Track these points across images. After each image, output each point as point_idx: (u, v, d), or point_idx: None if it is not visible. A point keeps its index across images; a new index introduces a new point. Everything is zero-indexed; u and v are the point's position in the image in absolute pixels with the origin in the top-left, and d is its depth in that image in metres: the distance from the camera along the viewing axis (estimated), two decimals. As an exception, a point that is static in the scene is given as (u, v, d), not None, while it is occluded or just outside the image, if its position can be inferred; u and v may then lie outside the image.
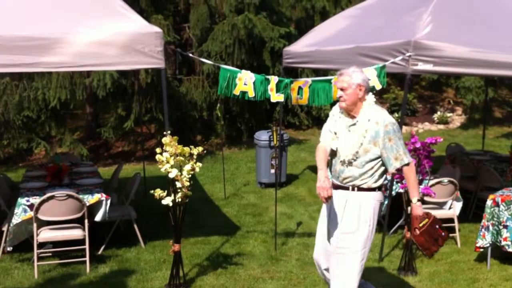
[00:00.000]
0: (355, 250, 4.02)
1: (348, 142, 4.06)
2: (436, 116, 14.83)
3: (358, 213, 4.04)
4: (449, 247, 6.43)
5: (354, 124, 4.06)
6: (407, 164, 4.01)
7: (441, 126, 14.62)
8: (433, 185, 6.14)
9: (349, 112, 4.10)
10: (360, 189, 4.05)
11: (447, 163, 8.02)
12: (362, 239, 4.03)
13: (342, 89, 4.05)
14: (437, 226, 4.17)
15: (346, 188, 4.08)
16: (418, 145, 5.40)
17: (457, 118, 15.13)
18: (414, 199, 4.10)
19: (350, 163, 4.04)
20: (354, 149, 4.02)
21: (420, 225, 4.09)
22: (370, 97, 4.10)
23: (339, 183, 4.13)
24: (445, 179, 6.34)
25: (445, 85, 16.20)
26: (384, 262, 5.92)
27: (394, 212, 6.25)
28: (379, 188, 4.09)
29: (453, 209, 6.54)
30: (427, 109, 15.44)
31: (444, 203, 6.61)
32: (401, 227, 6.60)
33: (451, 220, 6.56)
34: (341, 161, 4.09)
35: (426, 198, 5.87)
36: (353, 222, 4.03)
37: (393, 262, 5.90)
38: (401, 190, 5.71)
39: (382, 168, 4.06)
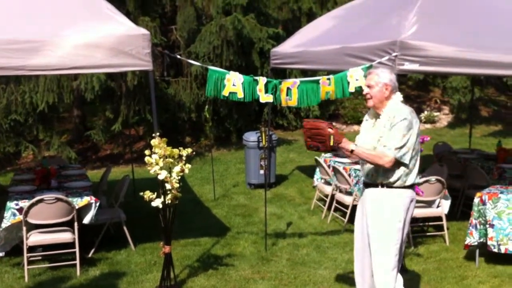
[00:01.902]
0: (387, 247, 4.09)
1: (368, 138, 4.19)
2: (423, 116, 14.93)
3: (386, 210, 4.11)
4: (437, 245, 6.49)
5: (377, 122, 4.19)
6: (386, 157, 3.97)
7: (428, 126, 14.74)
8: (420, 184, 6.19)
9: (375, 110, 4.21)
10: (387, 186, 4.11)
11: (434, 162, 8.08)
12: (391, 236, 4.09)
13: (369, 86, 4.17)
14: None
15: (375, 186, 4.18)
16: (405, 144, 5.44)
17: (444, 117, 15.26)
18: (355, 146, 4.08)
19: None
20: (373, 144, 4.11)
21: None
22: (397, 96, 4.19)
23: (368, 181, 4.24)
24: (433, 178, 6.39)
25: (432, 84, 16.33)
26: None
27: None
28: (409, 186, 4.12)
29: (441, 207, 6.60)
30: (414, 109, 15.50)
31: (432, 202, 6.66)
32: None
33: (439, 219, 6.62)
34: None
35: (414, 197, 5.91)
36: (382, 220, 4.11)
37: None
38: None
39: (412, 168, 4.10)
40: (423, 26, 5.97)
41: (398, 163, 4.03)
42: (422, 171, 6.74)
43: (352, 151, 4.00)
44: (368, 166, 4.20)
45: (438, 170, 7.07)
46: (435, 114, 15.09)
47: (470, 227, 5.80)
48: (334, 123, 15.09)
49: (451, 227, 6.93)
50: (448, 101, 15.54)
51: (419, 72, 7.24)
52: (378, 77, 4.15)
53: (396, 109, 4.10)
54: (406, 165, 4.04)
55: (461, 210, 7.42)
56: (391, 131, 4.02)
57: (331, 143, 3.96)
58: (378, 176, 4.14)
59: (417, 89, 16.38)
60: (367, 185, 4.27)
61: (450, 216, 6.93)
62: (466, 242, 5.82)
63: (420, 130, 4.17)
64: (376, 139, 4.11)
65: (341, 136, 3.99)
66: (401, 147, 3.99)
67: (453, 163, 7.95)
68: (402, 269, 5.58)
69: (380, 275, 4.14)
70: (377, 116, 4.21)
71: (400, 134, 3.99)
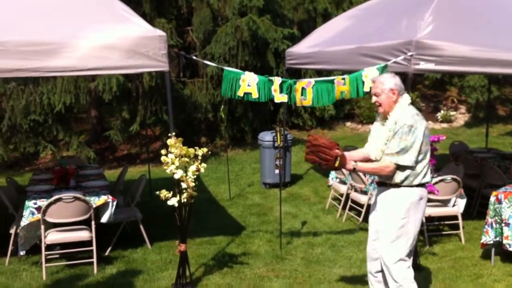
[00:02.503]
0: (389, 241, 4.24)
1: (376, 141, 4.36)
2: (439, 115, 14.85)
3: (390, 208, 4.26)
4: (453, 244, 6.47)
5: (384, 124, 4.33)
6: (390, 164, 4.14)
7: (445, 125, 14.64)
8: (436, 183, 6.19)
9: (385, 115, 4.34)
10: (395, 186, 4.24)
11: (451, 161, 8.04)
12: (393, 231, 4.22)
13: (376, 95, 4.33)
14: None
15: (385, 185, 4.32)
16: (420, 143, 5.44)
17: (460, 117, 15.15)
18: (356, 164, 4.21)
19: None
20: (380, 147, 4.28)
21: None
22: (404, 99, 4.31)
23: (379, 180, 4.41)
24: (448, 177, 6.38)
25: (448, 84, 16.21)
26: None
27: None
28: (418, 185, 4.23)
29: (457, 206, 6.58)
30: (430, 108, 15.46)
31: (448, 201, 6.64)
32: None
33: (455, 218, 6.60)
34: (374, 161, 4.35)
35: (429, 196, 5.90)
36: (386, 216, 4.29)
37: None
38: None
39: (422, 168, 4.20)
40: (439, 25, 5.96)
41: (401, 166, 4.15)
42: (437, 170, 6.73)
43: (354, 169, 4.20)
44: None
45: (454, 169, 7.05)
46: (452, 113, 14.99)
47: (486, 226, 5.77)
48: (349, 123, 15.03)
49: (466, 226, 6.91)
50: (465, 100, 15.42)
51: (435, 72, 7.24)
52: (382, 84, 4.30)
53: (400, 114, 4.22)
54: (410, 167, 4.15)
55: (477, 210, 7.39)
56: (392, 137, 4.17)
57: (336, 165, 4.12)
58: (389, 177, 4.25)
59: (433, 89, 16.28)
60: (378, 183, 4.44)
61: (466, 215, 6.91)
62: (481, 241, 5.81)
63: (428, 131, 4.25)
64: (382, 144, 4.27)
65: (345, 158, 4.14)
66: (398, 152, 4.12)
67: (470, 162, 7.91)
68: (417, 267, 5.60)
69: (385, 268, 4.31)
70: (386, 119, 4.33)
71: (398, 139, 4.13)
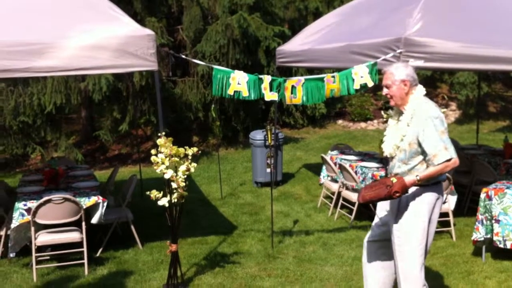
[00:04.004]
0: (411, 247, 4.03)
1: (391, 137, 4.12)
2: (430, 112, 14.89)
3: (411, 209, 4.02)
4: (444, 241, 6.49)
5: (400, 119, 4.09)
6: (448, 161, 3.84)
7: (436, 122, 14.68)
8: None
9: (398, 107, 4.12)
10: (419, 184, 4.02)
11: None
12: (416, 235, 4.01)
13: (387, 87, 4.09)
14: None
15: None
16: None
17: (451, 114, 15.21)
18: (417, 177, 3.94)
19: (396, 158, 4.07)
20: (395, 143, 4.04)
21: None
22: (419, 90, 4.08)
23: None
24: (439, 174, 6.37)
25: (439, 81, 16.28)
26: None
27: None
28: (434, 183, 4.01)
29: (448, 203, 6.59)
30: (421, 105, 15.50)
31: (439, 198, 6.65)
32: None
33: (446, 215, 6.60)
34: (388, 157, 4.16)
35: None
36: (407, 219, 4.03)
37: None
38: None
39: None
40: (428, 22, 5.97)
41: (422, 161, 3.94)
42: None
43: (419, 180, 3.89)
44: (392, 164, 4.12)
45: (444, 166, 7.05)
46: (443, 110, 14.93)
47: (477, 223, 5.79)
48: (340, 121, 14.98)
49: (458, 223, 6.93)
50: (455, 97, 15.49)
51: (424, 69, 7.22)
52: (393, 75, 4.05)
53: (419, 106, 3.98)
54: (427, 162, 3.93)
55: (468, 206, 7.41)
56: (426, 134, 3.88)
57: (394, 182, 3.89)
58: (404, 175, 4.00)
59: (424, 86, 16.19)
60: None
61: (457, 212, 6.93)
62: (472, 238, 5.82)
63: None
64: (399, 138, 4.02)
65: (400, 177, 3.91)
66: (446, 147, 3.84)
67: (460, 159, 7.84)
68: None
69: (405, 275, 4.10)
70: (400, 113, 4.11)
71: (439, 133, 3.86)
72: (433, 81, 16.24)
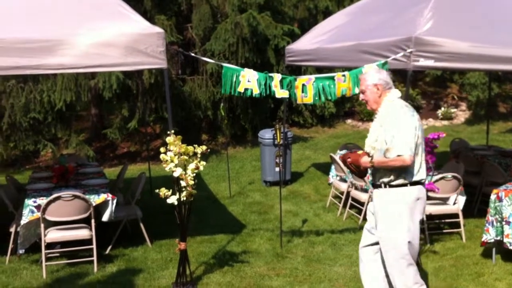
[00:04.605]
0: (396, 251, 4.15)
1: (368, 139, 4.31)
2: (440, 112, 14.82)
3: (390, 211, 4.16)
4: (454, 242, 6.45)
5: (375, 121, 4.29)
6: (399, 156, 4.01)
7: (445, 122, 14.62)
8: (436, 180, 6.16)
9: (374, 111, 4.32)
10: (390, 186, 4.16)
11: (451, 159, 8.03)
12: (399, 238, 4.13)
13: (362, 92, 4.33)
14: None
15: (379, 186, 4.23)
16: (421, 140, 5.41)
17: (461, 114, 15.12)
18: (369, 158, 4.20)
19: (373, 157, 4.21)
20: (371, 145, 4.22)
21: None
22: (392, 93, 4.25)
23: (375, 181, 4.29)
24: (449, 175, 6.35)
25: (449, 81, 16.19)
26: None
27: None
28: (412, 184, 4.12)
29: (458, 204, 6.56)
30: (431, 105, 15.44)
31: (448, 199, 6.62)
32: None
33: (455, 216, 6.57)
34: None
35: (430, 194, 5.88)
36: (387, 223, 4.18)
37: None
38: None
39: (413, 164, 4.09)
40: (438, 22, 5.94)
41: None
42: (438, 168, 6.70)
43: (372, 166, 4.16)
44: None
45: (454, 167, 7.02)
46: (452, 110, 14.96)
47: (487, 224, 5.75)
48: (350, 121, 14.99)
49: (467, 224, 6.88)
50: (465, 97, 15.40)
51: (434, 68, 7.20)
52: (365, 80, 4.29)
53: (387, 107, 4.18)
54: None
55: (478, 207, 7.36)
56: (386, 131, 4.07)
57: (354, 169, 4.32)
58: (381, 175, 4.18)
59: (434, 86, 16.26)
60: (373, 185, 4.35)
61: (467, 213, 6.89)
62: (482, 239, 5.78)
63: (420, 125, 4.17)
64: (374, 139, 4.20)
65: (356, 158, 4.22)
66: (398, 144, 4.01)
67: (470, 159, 7.89)
68: (418, 266, 5.58)
69: (394, 277, 4.22)
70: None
71: (393, 131, 4.04)
72: (443, 81, 16.16)
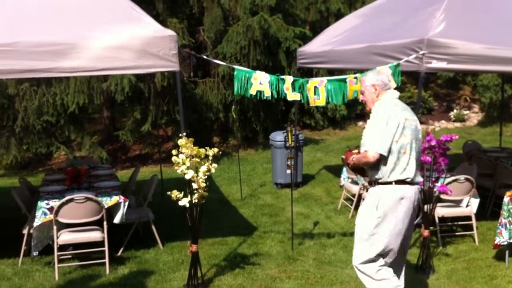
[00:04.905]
0: (359, 238, 4.30)
1: (363, 137, 4.36)
2: (452, 114, 14.73)
3: (368, 203, 4.28)
4: (467, 244, 6.41)
5: (368, 120, 4.36)
6: (366, 151, 4.15)
7: (458, 124, 14.53)
8: (449, 183, 6.12)
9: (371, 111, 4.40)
10: (377, 183, 4.24)
11: (464, 161, 7.98)
12: (365, 229, 4.25)
13: (361, 93, 4.45)
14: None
15: (370, 183, 4.34)
16: (433, 142, 5.39)
17: (474, 116, 15.03)
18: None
19: None
20: (363, 142, 4.29)
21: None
22: (389, 94, 4.32)
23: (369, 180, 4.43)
24: (462, 177, 6.32)
25: (462, 82, 16.09)
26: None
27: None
28: (397, 182, 4.17)
29: (470, 207, 6.51)
30: (443, 107, 15.35)
31: (461, 201, 6.58)
32: (419, 225, 6.57)
33: (468, 218, 6.53)
34: None
35: (442, 196, 5.86)
36: (362, 212, 4.33)
37: (411, 260, 5.87)
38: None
39: (397, 162, 4.14)
40: (451, 23, 5.92)
41: (382, 158, 4.13)
42: (451, 170, 6.66)
43: (351, 162, 4.38)
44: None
45: (467, 169, 6.99)
46: (465, 112, 14.87)
47: (500, 227, 5.71)
48: (361, 123, 14.96)
49: (480, 227, 6.84)
50: (478, 99, 15.30)
51: (447, 70, 7.19)
52: (364, 81, 4.41)
53: (378, 105, 4.27)
54: (386, 160, 4.12)
55: (491, 210, 7.31)
56: (368, 127, 4.22)
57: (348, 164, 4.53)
58: (371, 174, 4.28)
59: (446, 88, 16.17)
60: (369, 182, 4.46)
61: (480, 215, 6.84)
62: (495, 242, 5.74)
63: (410, 125, 4.16)
64: (364, 139, 4.30)
65: (346, 155, 4.44)
66: (370, 139, 4.13)
67: (483, 162, 7.84)
68: (430, 269, 5.56)
69: (355, 266, 4.37)
70: None
71: (375, 128, 4.14)
72: (455, 83, 16.07)
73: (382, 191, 4.20)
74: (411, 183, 4.21)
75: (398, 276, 4.38)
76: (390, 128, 4.09)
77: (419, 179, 4.30)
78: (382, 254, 4.23)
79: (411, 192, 4.22)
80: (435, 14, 6.08)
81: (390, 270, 4.27)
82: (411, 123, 4.20)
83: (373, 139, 4.12)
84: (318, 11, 14.41)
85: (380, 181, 4.20)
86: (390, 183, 4.17)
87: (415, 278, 5.48)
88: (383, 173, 4.16)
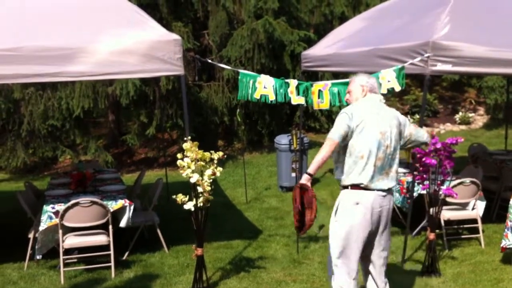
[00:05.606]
0: (329, 244, 4.24)
1: None
2: (457, 117, 14.70)
3: (334, 209, 4.22)
4: (473, 248, 6.39)
5: None
6: (327, 139, 4.12)
7: (463, 127, 14.49)
8: (455, 185, 6.11)
9: None
10: (342, 186, 4.20)
11: (469, 164, 7.96)
12: (331, 235, 4.22)
13: (348, 92, 4.42)
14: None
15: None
16: (438, 145, 5.36)
17: (479, 118, 14.99)
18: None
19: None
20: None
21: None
22: (368, 96, 4.25)
23: None
24: (467, 180, 6.30)
25: (467, 85, 16.06)
26: (407, 264, 5.90)
27: (417, 213, 6.23)
28: (353, 187, 4.09)
29: (476, 209, 6.49)
30: (448, 110, 15.32)
31: (467, 204, 6.56)
32: (424, 229, 6.57)
33: (474, 221, 6.51)
34: None
35: (448, 199, 5.85)
36: (331, 218, 4.25)
37: (416, 264, 5.87)
38: (423, 192, 5.70)
39: (353, 166, 4.09)
40: (456, 26, 5.90)
41: (337, 157, 4.17)
42: (456, 173, 6.65)
43: (310, 175, 4.09)
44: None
45: (473, 172, 6.97)
46: (470, 115, 14.83)
47: (506, 230, 5.68)
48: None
49: (486, 230, 6.81)
50: (483, 101, 15.26)
51: (452, 73, 7.15)
52: (354, 82, 4.35)
53: (355, 103, 4.24)
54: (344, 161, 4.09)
55: (497, 212, 7.29)
56: None
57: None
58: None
59: (451, 90, 16.14)
60: None
61: (486, 218, 6.82)
62: (502, 245, 5.71)
63: (378, 129, 4.08)
64: None
65: (309, 197, 4.09)
66: (333, 132, 4.08)
67: (489, 164, 7.82)
68: (436, 272, 5.53)
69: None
70: None
71: (334, 126, 4.12)
72: (460, 86, 16.03)
73: (342, 196, 4.17)
74: (365, 188, 4.07)
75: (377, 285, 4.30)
76: (348, 123, 4.05)
77: (381, 185, 4.11)
78: (342, 259, 4.14)
79: (369, 198, 4.07)
80: (440, 16, 6.06)
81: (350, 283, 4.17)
82: (381, 129, 4.08)
83: (333, 128, 4.11)
84: (322, 14, 14.42)
85: (342, 183, 4.17)
86: (346, 187, 4.14)
87: (421, 281, 5.47)
88: (343, 176, 4.14)
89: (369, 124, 4.07)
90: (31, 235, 6.05)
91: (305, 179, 4.08)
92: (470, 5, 6.32)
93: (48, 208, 5.79)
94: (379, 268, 4.29)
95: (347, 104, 4.44)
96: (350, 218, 4.09)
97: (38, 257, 5.84)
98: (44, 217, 5.75)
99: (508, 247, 5.66)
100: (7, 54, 5.09)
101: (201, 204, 5.04)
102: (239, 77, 5.66)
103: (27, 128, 10.84)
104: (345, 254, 4.13)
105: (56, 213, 5.73)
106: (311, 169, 4.08)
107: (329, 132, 4.13)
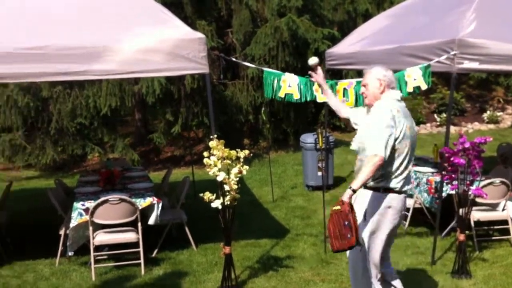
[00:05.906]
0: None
1: (356, 136, 4.21)
2: (485, 116, 14.51)
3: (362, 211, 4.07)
4: (504, 249, 6.30)
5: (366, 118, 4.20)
6: (375, 156, 3.82)
7: (491, 126, 14.30)
8: (484, 186, 6.04)
9: (370, 108, 4.20)
10: (366, 187, 4.04)
11: (499, 164, 7.85)
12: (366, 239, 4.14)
13: (364, 86, 4.20)
14: (345, 223, 3.80)
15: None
16: (467, 145, 5.30)
17: (507, 117, 14.77)
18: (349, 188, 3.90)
19: (359, 157, 4.14)
20: (358, 142, 4.13)
21: (334, 208, 3.89)
22: (392, 93, 4.11)
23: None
24: (497, 180, 6.22)
25: (494, 83, 15.84)
26: (436, 265, 5.84)
27: (446, 213, 6.18)
28: (384, 191, 4.00)
29: (507, 210, 6.40)
30: (476, 109, 15.14)
31: (497, 205, 6.48)
32: (454, 229, 6.49)
33: (505, 222, 6.42)
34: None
35: (477, 199, 5.78)
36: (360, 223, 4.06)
37: (446, 265, 5.79)
38: (452, 192, 5.64)
39: (387, 167, 3.96)
40: (482, 23, 5.82)
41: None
42: (485, 173, 6.56)
43: (354, 191, 3.85)
44: (358, 164, 4.14)
45: (502, 172, 6.87)
46: (498, 114, 14.63)
47: (537, 230, 5.61)
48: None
49: (517, 231, 6.72)
50: (511, 100, 15.05)
51: (479, 71, 7.08)
52: (371, 74, 4.15)
53: (379, 105, 4.04)
54: (386, 166, 3.91)
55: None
56: (368, 129, 3.98)
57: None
58: (356, 171, 4.15)
59: (478, 88, 15.94)
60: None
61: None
62: (532, 245, 5.64)
63: (411, 132, 3.99)
64: (359, 138, 4.11)
65: (343, 213, 3.82)
66: (381, 143, 3.82)
67: (518, 164, 7.71)
68: (467, 274, 5.46)
69: None
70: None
71: (377, 131, 3.87)
72: (488, 84, 15.83)
73: (372, 200, 4.06)
74: (398, 191, 4.03)
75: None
76: (393, 132, 3.88)
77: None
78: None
79: (397, 201, 4.04)
80: (465, 14, 5.99)
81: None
82: (414, 132, 4.04)
83: (377, 140, 3.84)
84: (345, 11, 14.36)
85: (367, 186, 4.01)
86: (378, 191, 4.01)
87: (451, 283, 5.42)
88: (379, 178, 3.99)
89: (406, 127, 3.97)
90: (62, 232, 6.15)
91: (348, 196, 3.83)
92: (496, 2, 6.24)
93: (78, 205, 5.88)
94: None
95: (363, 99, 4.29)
96: (389, 223, 4.05)
97: (70, 253, 5.93)
98: (74, 214, 5.84)
99: (538, 247, 5.59)
100: (33, 52, 5.14)
101: (228, 203, 5.07)
102: (264, 76, 5.67)
103: (55, 126, 11.01)
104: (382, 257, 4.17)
105: (86, 210, 5.82)
106: (356, 185, 3.84)
107: (373, 143, 3.84)
